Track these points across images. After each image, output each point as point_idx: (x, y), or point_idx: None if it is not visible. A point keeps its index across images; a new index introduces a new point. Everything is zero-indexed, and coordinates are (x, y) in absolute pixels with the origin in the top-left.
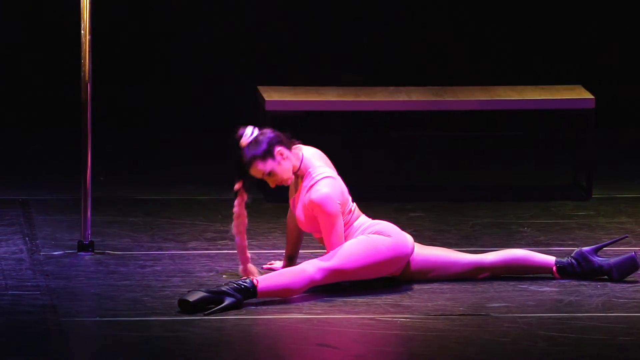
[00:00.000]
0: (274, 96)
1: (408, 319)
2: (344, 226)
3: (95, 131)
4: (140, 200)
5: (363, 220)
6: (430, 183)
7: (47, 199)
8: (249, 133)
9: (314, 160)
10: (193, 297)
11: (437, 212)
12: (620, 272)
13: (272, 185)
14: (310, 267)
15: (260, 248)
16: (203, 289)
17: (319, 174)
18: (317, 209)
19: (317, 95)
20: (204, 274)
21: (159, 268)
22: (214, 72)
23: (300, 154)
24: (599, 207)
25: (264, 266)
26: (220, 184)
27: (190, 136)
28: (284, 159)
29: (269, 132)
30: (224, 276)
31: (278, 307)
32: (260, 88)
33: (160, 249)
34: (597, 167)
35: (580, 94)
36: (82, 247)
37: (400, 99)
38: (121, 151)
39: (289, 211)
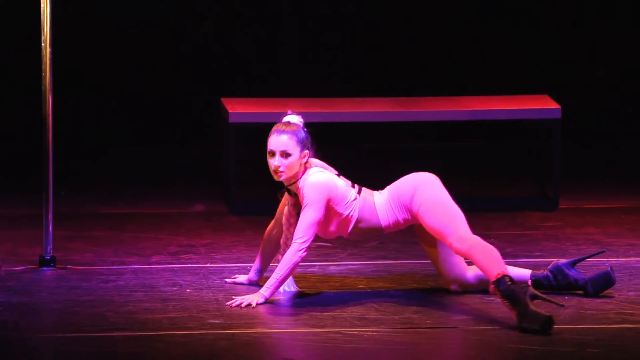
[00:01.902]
0: (237, 108)
1: (375, 333)
2: (351, 212)
3: (57, 144)
4: (103, 214)
5: (384, 198)
6: None
7: (8, 213)
8: (296, 119)
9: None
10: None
11: None
12: (595, 287)
13: (271, 166)
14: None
15: (225, 262)
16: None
17: (309, 174)
18: (307, 187)
19: (282, 106)
20: (168, 288)
21: (122, 283)
22: (178, 85)
23: (307, 170)
24: (565, 218)
25: (227, 280)
26: (184, 197)
27: (153, 149)
28: (302, 158)
29: (308, 134)
30: (187, 290)
31: (243, 321)
32: (224, 100)
33: (124, 263)
34: (563, 178)
35: (547, 103)
36: (44, 262)
37: (366, 109)
38: (84, 165)
39: (271, 222)
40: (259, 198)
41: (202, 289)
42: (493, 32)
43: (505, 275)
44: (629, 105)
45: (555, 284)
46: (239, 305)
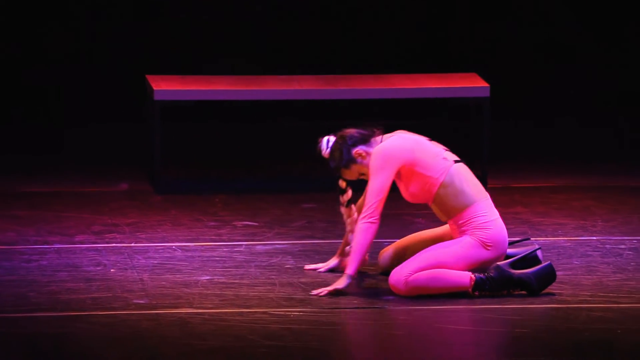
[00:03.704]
0: (162, 85)
1: (302, 313)
2: (435, 175)
3: None
4: (24, 193)
5: (478, 209)
6: (324, 174)
7: None
8: (325, 146)
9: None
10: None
11: (330, 203)
12: (540, 282)
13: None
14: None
15: (150, 241)
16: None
17: (389, 137)
18: (371, 161)
19: (207, 84)
20: (92, 268)
21: (45, 262)
22: (102, 62)
23: (380, 140)
24: (494, 197)
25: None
26: (108, 175)
27: (76, 127)
28: (365, 157)
29: (345, 137)
30: (112, 270)
31: (167, 301)
32: (149, 77)
33: (46, 242)
34: (491, 157)
35: (475, 82)
36: None
37: (292, 87)
38: (4, 143)
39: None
40: (185, 177)
41: (126, 269)
42: (421, 10)
43: (475, 279)
44: (569, 87)
45: (497, 286)
46: (328, 294)
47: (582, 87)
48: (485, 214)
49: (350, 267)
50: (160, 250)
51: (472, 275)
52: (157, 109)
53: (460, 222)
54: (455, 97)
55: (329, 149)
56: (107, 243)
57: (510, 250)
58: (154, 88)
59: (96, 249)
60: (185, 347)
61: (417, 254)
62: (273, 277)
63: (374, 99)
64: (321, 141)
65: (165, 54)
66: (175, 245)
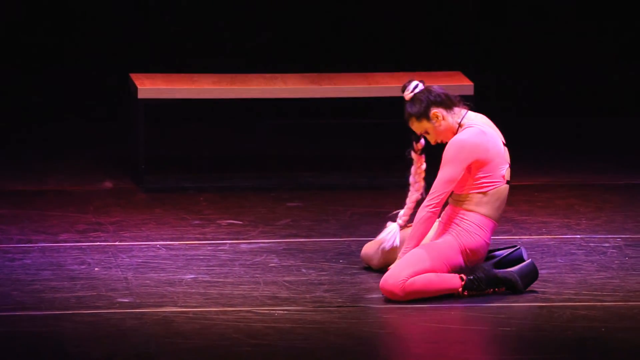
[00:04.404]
0: (146, 84)
1: (286, 311)
2: (485, 188)
3: None
4: (8, 192)
5: (483, 223)
6: (309, 172)
7: None
8: (411, 88)
9: (477, 121)
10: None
11: (315, 201)
12: (524, 281)
13: (431, 142)
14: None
15: (134, 240)
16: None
17: (470, 125)
18: (447, 146)
19: (191, 82)
20: (76, 266)
21: (28, 261)
22: (86, 60)
23: (463, 114)
24: None
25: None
26: (92, 174)
27: (60, 125)
28: (440, 120)
29: (430, 90)
30: (96, 269)
31: (152, 299)
32: (133, 75)
33: (30, 241)
34: None
35: (460, 80)
36: None
37: (277, 86)
38: None
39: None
40: (169, 175)
41: (110, 268)
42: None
43: (464, 283)
44: (560, 83)
45: (484, 285)
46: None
47: (568, 84)
48: (483, 231)
49: (404, 252)
50: (145, 249)
51: (462, 277)
52: (140, 107)
53: (459, 215)
54: None
55: (412, 94)
56: (91, 242)
57: (495, 253)
58: (138, 86)
59: (80, 248)
60: (169, 346)
61: (405, 257)
62: (257, 275)
63: (358, 97)
64: (409, 82)
65: (150, 52)
66: (159, 244)
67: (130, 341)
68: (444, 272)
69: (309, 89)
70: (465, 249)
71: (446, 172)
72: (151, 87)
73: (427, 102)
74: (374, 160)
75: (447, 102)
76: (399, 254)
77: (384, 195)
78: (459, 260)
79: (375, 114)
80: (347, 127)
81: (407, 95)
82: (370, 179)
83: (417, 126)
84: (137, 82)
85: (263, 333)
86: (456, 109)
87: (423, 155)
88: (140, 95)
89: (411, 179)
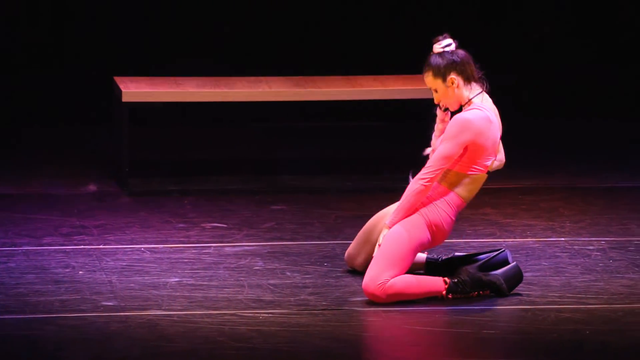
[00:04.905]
0: (130, 87)
1: (271, 314)
2: (470, 171)
3: None
4: None
5: (454, 201)
6: (293, 175)
7: None
8: (444, 44)
9: (486, 105)
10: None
11: (300, 204)
12: (509, 283)
13: (435, 100)
14: None
15: (118, 243)
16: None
17: (479, 107)
18: (452, 121)
19: (175, 85)
20: (60, 270)
21: (12, 264)
22: (70, 64)
23: (477, 92)
24: None
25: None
26: (76, 177)
27: (43, 128)
28: (453, 87)
29: (458, 55)
30: (80, 272)
31: (136, 303)
32: (117, 79)
33: (14, 245)
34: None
35: None
36: None
37: (261, 89)
38: None
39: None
40: (153, 178)
41: (95, 271)
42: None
43: (447, 286)
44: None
45: (469, 288)
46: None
47: (550, 86)
48: (451, 208)
49: (392, 220)
50: (129, 252)
51: (446, 280)
52: (124, 110)
53: (436, 190)
54: (423, 98)
55: (442, 49)
56: (76, 245)
57: (479, 256)
58: (122, 90)
59: (64, 251)
60: (154, 349)
61: (381, 257)
62: (242, 278)
63: (343, 100)
64: (444, 37)
65: (133, 55)
66: (143, 247)
67: (114, 345)
68: (412, 255)
69: (293, 92)
70: (431, 224)
71: (446, 148)
72: (135, 90)
73: (450, 64)
74: (359, 163)
75: (468, 74)
76: (387, 222)
77: (369, 198)
78: (427, 236)
79: (359, 116)
80: (332, 130)
81: (437, 48)
82: (355, 182)
83: (430, 80)
84: (121, 86)
85: (247, 336)
86: (474, 84)
87: (448, 112)
88: (125, 99)
89: (434, 137)
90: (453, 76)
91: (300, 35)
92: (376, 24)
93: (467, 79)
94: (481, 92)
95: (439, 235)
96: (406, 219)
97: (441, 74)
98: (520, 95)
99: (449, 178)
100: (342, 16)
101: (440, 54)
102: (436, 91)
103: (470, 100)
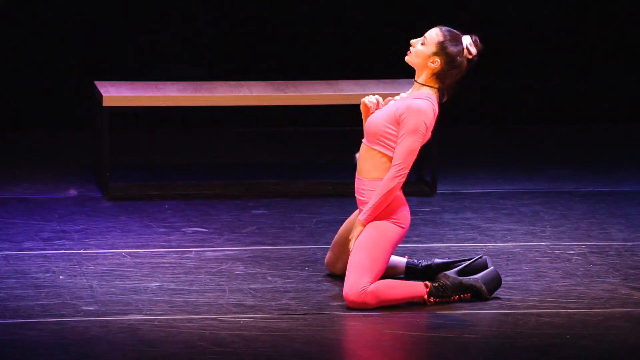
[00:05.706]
0: (111, 91)
1: (251, 319)
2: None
3: None
4: None
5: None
6: (274, 179)
7: None
8: (462, 38)
9: (430, 99)
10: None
11: (280, 209)
12: (489, 287)
13: (407, 55)
14: None
15: (99, 247)
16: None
17: (427, 97)
18: (409, 112)
19: (156, 90)
20: (41, 274)
21: None
22: (51, 67)
23: (432, 87)
24: (443, 203)
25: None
26: (56, 181)
27: (24, 132)
28: (431, 68)
29: (456, 50)
30: (61, 277)
31: (117, 307)
32: (97, 83)
33: None
34: (441, 163)
35: None
36: None
37: (242, 93)
38: None
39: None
40: (134, 182)
41: (75, 276)
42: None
43: (428, 289)
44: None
45: (449, 292)
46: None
47: (532, 92)
48: (400, 190)
49: (365, 216)
50: (110, 257)
51: (427, 284)
52: (105, 115)
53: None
54: None
55: (467, 45)
56: (56, 249)
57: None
58: (103, 94)
59: (45, 256)
60: (134, 354)
61: (357, 262)
62: (223, 283)
63: (324, 104)
64: (471, 35)
65: (114, 59)
66: (124, 252)
67: (95, 349)
68: (389, 254)
69: (274, 97)
70: (398, 222)
71: (411, 142)
72: (116, 94)
73: (450, 57)
74: (340, 168)
75: (448, 78)
76: (361, 218)
77: (350, 203)
78: (396, 229)
79: (340, 121)
80: (313, 134)
81: (466, 41)
82: (335, 186)
83: (431, 37)
84: (101, 90)
85: (228, 341)
86: (443, 82)
87: (389, 100)
88: (105, 103)
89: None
90: (439, 60)
91: (283, 39)
92: (358, 29)
93: (442, 78)
94: (434, 90)
95: (405, 217)
96: (373, 225)
97: (441, 48)
98: (500, 101)
99: (378, 167)
100: (324, 21)
101: (450, 34)
102: (422, 44)
103: (423, 86)
